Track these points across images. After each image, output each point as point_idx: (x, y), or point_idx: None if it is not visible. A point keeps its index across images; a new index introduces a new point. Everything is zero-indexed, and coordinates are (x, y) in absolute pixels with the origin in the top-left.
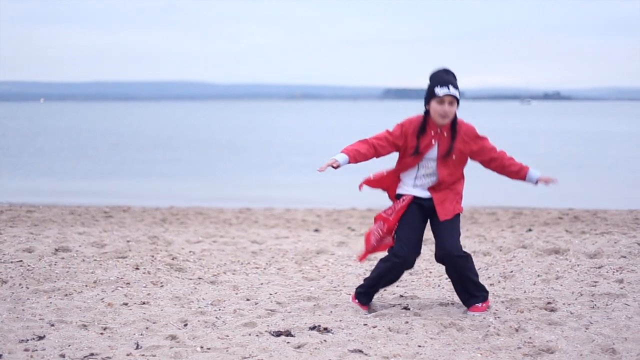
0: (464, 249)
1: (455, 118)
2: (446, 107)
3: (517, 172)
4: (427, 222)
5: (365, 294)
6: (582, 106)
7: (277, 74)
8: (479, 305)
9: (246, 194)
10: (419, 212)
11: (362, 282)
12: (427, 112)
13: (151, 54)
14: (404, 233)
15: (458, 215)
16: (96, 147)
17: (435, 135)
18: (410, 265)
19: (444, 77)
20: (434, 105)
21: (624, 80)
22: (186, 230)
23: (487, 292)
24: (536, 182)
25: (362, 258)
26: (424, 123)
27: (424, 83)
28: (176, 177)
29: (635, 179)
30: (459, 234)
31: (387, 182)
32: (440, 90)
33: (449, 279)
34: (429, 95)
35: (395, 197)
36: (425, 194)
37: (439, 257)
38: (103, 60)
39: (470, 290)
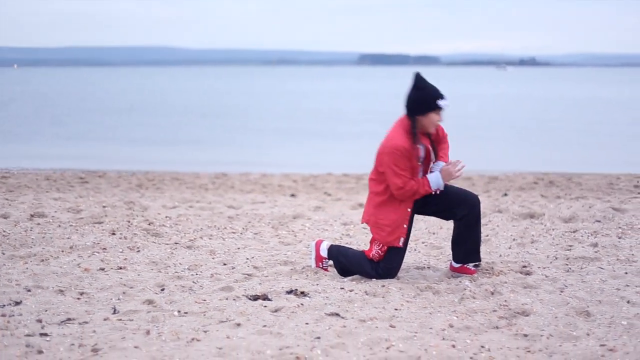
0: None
1: None
2: (442, 116)
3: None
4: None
5: (334, 263)
6: (558, 72)
7: (252, 40)
8: (472, 268)
9: (222, 159)
10: (411, 217)
11: (340, 248)
12: (414, 120)
13: (125, 20)
14: (399, 249)
15: None
16: (70, 112)
17: (424, 140)
18: (394, 277)
19: (438, 89)
20: (433, 115)
21: (598, 46)
22: (162, 195)
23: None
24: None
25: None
26: (415, 133)
27: (400, 49)
28: (151, 142)
29: (610, 144)
30: None
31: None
32: (443, 102)
33: (458, 236)
34: (429, 107)
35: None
36: None
37: (470, 206)
38: (77, 25)
39: (477, 243)
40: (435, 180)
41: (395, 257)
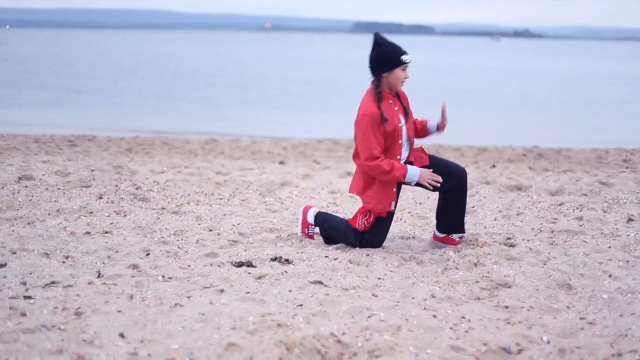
0: None
1: None
2: (407, 72)
3: (423, 129)
4: None
5: (320, 230)
6: (552, 44)
7: (246, 5)
8: (456, 239)
9: (212, 126)
10: (399, 188)
11: (327, 216)
12: (379, 80)
13: None
14: (386, 220)
15: None
16: (62, 75)
17: (393, 102)
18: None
19: (399, 45)
20: (398, 72)
21: (593, 19)
22: (151, 160)
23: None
24: (437, 128)
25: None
26: (380, 96)
27: (394, 17)
28: (143, 107)
29: (601, 119)
30: None
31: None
32: (407, 57)
33: (443, 207)
34: (394, 63)
35: None
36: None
37: (457, 179)
38: None
39: (462, 215)
40: (412, 173)
41: (381, 230)
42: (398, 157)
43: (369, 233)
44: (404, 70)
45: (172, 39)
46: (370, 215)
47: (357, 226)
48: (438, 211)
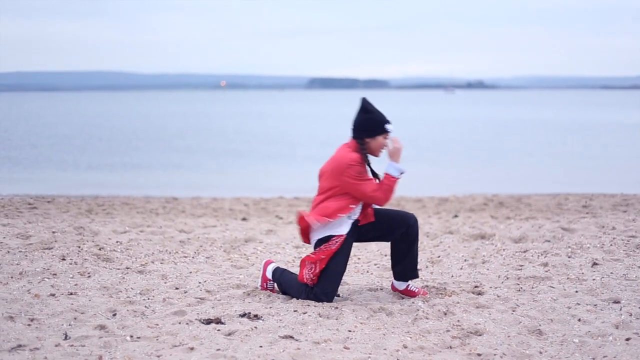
0: None
1: None
2: (387, 141)
3: None
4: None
5: (277, 285)
6: (505, 95)
7: (201, 64)
8: (415, 290)
9: (173, 183)
10: (349, 244)
11: (283, 272)
12: (362, 144)
13: (75, 44)
14: (334, 273)
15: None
16: (16, 137)
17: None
18: (331, 302)
19: (383, 113)
20: (380, 139)
21: (543, 69)
22: (112, 220)
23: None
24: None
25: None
26: (366, 156)
27: (349, 72)
28: (102, 167)
29: (559, 165)
30: None
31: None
32: (390, 127)
33: (396, 254)
34: (378, 130)
35: (324, 239)
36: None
37: (406, 226)
38: (26, 50)
39: (415, 260)
40: (393, 168)
41: (329, 281)
42: (350, 209)
43: (317, 286)
44: (385, 138)
45: (128, 99)
46: (315, 266)
47: (305, 280)
48: (393, 260)
